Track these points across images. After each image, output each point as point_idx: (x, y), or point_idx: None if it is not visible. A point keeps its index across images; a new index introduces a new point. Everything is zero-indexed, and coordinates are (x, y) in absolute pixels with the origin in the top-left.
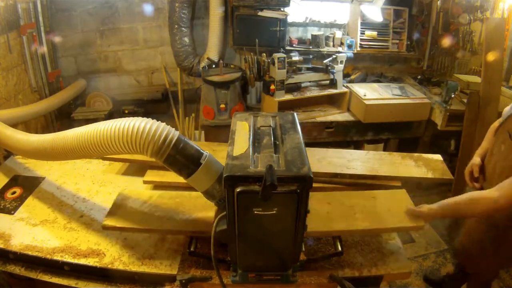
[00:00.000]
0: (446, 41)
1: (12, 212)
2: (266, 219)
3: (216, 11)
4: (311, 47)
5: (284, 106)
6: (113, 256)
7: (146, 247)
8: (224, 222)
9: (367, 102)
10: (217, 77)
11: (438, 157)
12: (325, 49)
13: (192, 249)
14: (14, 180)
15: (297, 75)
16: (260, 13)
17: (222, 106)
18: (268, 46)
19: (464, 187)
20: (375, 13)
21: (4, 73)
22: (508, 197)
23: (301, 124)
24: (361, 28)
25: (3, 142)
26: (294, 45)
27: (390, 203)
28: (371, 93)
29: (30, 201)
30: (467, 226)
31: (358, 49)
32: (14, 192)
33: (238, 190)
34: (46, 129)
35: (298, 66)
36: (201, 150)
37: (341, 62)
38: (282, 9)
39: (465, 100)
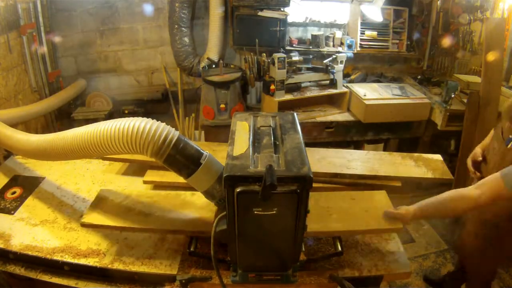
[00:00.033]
0: (446, 41)
1: (12, 212)
2: (266, 219)
3: (216, 11)
4: (311, 47)
5: (284, 106)
6: (113, 256)
7: (146, 247)
8: (224, 222)
9: (367, 102)
10: (217, 77)
11: (438, 157)
12: (325, 49)
13: (192, 249)
14: (14, 180)
15: (297, 75)
16: (260, 13)
17: (222, 106)
18: (268, 46)
19: (463, 187)
20: (375, 13)
21: (4, 73)
22: (489, 194)
23: (301, 124)
24: (361, 28)
25: (3, 142)
26: (294, 45)
27: (368, 204)
28: (371, 93)
29: (30, 201)
30: (467, 226)
31: (358, 49)
32: (14, 192)
33: (238, 190)
34: (46, 129)
35: (298, 66)
36: (201, 150)
37: (341, 62)
38: (282, 9)
39: (465, 100)
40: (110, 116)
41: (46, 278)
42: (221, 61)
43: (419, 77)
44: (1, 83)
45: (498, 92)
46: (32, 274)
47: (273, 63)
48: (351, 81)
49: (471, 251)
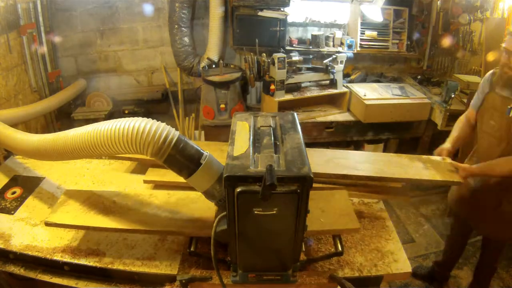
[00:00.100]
0: (446, 41)
1: (12, 212)
2: (266, 219)
3: (216, 11)
4: (311, 47)
5: (284, 106)
6: (113, 256)
7: (146, 247)
8: (224, 222)
9: (367, 102)
10: (217, 77)
11: (447, 159)
12: (325, 49)
13: (192, 249)
14: (14, 180)
15: (297, 75)
16: (260, 13)
17: (222, 106)
18: (268, 46)
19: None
20: (375, 13)
21: (4, 73)
22: None
23: (301, 124)
24: (361, 28)
25: (3, 142)
26: (294, 45)
27: (325, 204)
28: (371, 93)
29: (30, 201)
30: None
31: (358, 49)
32: (14, 192)
33: (238, 190)
34: (46, 129)
35: (298, 66)
36: (201, 150)
37: (341, 62)
38: (282, 9)
39: (465, 100)
40: (110, 116)
41: (46, 278)
42: (221, 61)
43: (419, 77)
44: (1, 83)
45: None
46: (32, 274)
47: (273, 63)
48: (351, 81)
49: (493, 218)
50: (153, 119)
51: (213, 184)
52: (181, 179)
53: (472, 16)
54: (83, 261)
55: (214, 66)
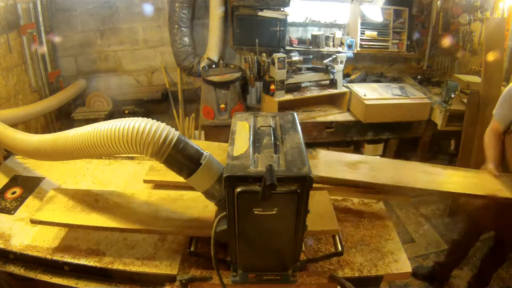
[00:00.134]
0: (446, 41)
1: (12, 212)
2: (266, 219)
3: (216, 11)
4: (311, 47)
5: (284, 106)
6: (113, 256)
7: (146, 247)
8: (224, 222)
9: (367, 102)
10: (217, 77)
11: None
12: (325, 49)
13: (192, 249)
14: (14, 180)
15: (297, 75)
16: (260, 13)
17: (222, 106)
18: (268, 46)
19: None
20: (375, 13)
21: (4, 73)
22: None
23: (301, 124)
24: (361, 28)
25: (3, 142)
26: (294, 45)
27: None
28: (371, 93)
29: (30, 201)
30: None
31: (358, 49)
32: (14, 192)
33: (238, 190)
34: (46, 129)
35: (298, 66)
36: (201, 150)
37: (341, 62)
38: (282, 9)
39: (465, 100)
40: (110, 116)
41: (46, 278)
42: (221, 61)
43: (419, 77)
44: (1, 83)
45: (498, 92)
46: (32, 274)
47: (273, 63)
48: (351, 81)
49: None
50: (153, 119)
51: (213, 184)
52: (181, 179)
53: (472, 16)
54: (83, 261)
55: (214, 66)
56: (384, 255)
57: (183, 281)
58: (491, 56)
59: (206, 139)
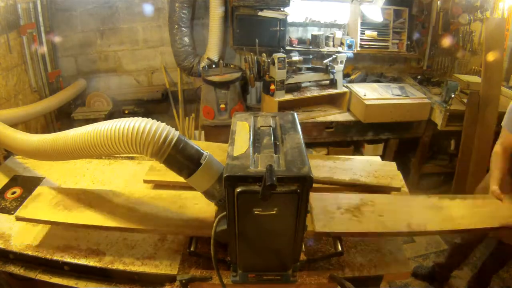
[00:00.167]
0: (446, 41)
1: (12, 212)
2: (266, 219)
3: (216, 11)
4: (311, 47)
5: (284, 106)
6: (113, 256)
7: (146, 247)
8: (224, 222)
9: (367, 102)
10: (217, 77)
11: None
12: (325, 49)
13: (192, 249)
14: (14, 180)
15: (297, 75)
16: (260, 13)
17: (222, 106)
18: (268, 46)
19: (463, 187)
20: (375, 13)
21: (4, 73)
22: None
23: (301, 124)
24: (361, 28)
25: (3, 142)
26: (294, 45)
27: None
28: (371, 93)
29: None
30: None
31: (358, 49)
32: (14, 192)
33: (238, 190)
34: (46, 129)
35: (298, 66)
36: (201, 150)
37: (341, 62)
38: (282, 9)
39: (465, 100)
40: (110, 116)
41: (46, 278)
42: (221, 61)
43: (419, 77)
44: (1, 83)
45: (498, 92)
46: (32, 274)
47: (273, 63)
48: (351, 81)
49: None
50: (153, 119)
51: (213, 184)
52: (181, 179)
53: (472, 16)
54: (83, 261)
55: (214, 66)
56: (384, 255)
57: (183, 281)
58: (491, 56)
59: (206, 139)
